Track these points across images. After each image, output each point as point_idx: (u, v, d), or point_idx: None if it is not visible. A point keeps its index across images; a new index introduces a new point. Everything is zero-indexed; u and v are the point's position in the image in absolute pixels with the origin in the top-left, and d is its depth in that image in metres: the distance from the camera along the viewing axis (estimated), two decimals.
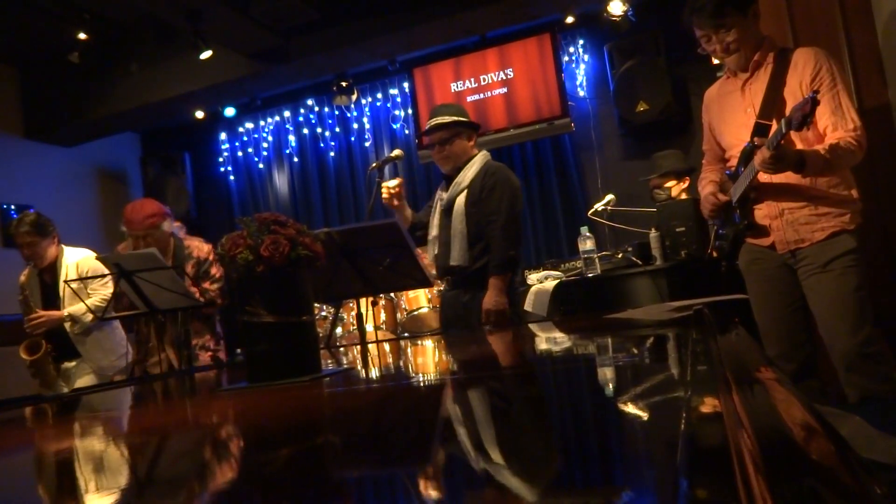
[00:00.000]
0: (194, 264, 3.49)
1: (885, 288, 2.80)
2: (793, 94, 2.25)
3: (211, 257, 3.52)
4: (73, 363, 3.80)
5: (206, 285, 3.48)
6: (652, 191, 4.28)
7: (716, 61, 2.89)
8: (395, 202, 3.03)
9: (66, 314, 3.69)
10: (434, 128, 3.04)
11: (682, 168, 4.27)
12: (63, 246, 3.85)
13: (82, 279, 3.59)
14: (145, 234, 3.34)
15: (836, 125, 2.20)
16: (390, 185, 3.02)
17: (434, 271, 3.17)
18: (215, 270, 3.52)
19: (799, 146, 2.21)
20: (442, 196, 3.07)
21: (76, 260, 3.78)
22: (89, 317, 3.61)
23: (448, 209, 3.00)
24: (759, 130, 2.28)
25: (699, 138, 5.44)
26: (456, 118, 3.04)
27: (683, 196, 4.06)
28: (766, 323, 2.45)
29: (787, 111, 2.19)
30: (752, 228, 2.40)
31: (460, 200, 2.97)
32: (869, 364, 2.18)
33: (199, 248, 3.55)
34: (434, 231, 3.06)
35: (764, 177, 2.29)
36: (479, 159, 3.05)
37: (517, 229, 2.96)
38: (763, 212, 2.38)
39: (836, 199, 2.27)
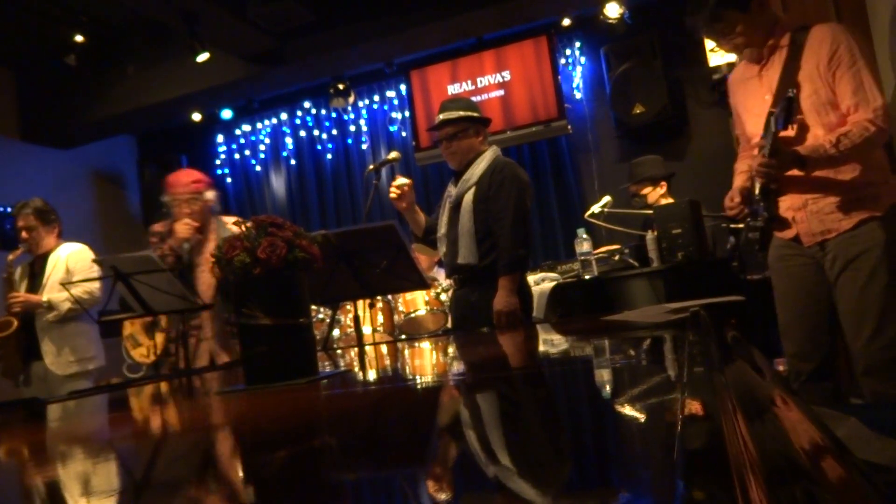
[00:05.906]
0: None
1: None
2: (809, 78, 2.15)
3: None
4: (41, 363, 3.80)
5: None
6: (631, 198, 4.29)
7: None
8: (404, 204, 2.96)
9: (44, 300, 3.73)
10: (441, 123, 2.98)
11: (657, 174, 4.25)
12: (63, 242, 3.89)
13: (73, 282, 3.59)
14: (189, 197, 3.21)
15: (857, 105, 2.09)
16: (396, 183, 2.95)
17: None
18: None
19: (819, 132, 2.14)
20: (451, 193, 3.01)
21: (68, 254, 3.83)
22: (66, 305, 3.65)
23: (456, 206, 2.94)
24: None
25: (695, 140, 5.50)
26: (464, 113, 2.96)
27: (661, 201, 4.06)
28: (787, 321, 2.37)
29: (804, 96, 2.14)
30: (776, 221, 2.30)
31: (468, 197, 2.90)
32: (890, 368, 2.11)
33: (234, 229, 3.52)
34: (442, 229, 3.00)
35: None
36: (489, 155, 2.96)
37: (526, 227, 2.88)
38: (787, 203, 2.28)
39: (862, 182, 2.15)
